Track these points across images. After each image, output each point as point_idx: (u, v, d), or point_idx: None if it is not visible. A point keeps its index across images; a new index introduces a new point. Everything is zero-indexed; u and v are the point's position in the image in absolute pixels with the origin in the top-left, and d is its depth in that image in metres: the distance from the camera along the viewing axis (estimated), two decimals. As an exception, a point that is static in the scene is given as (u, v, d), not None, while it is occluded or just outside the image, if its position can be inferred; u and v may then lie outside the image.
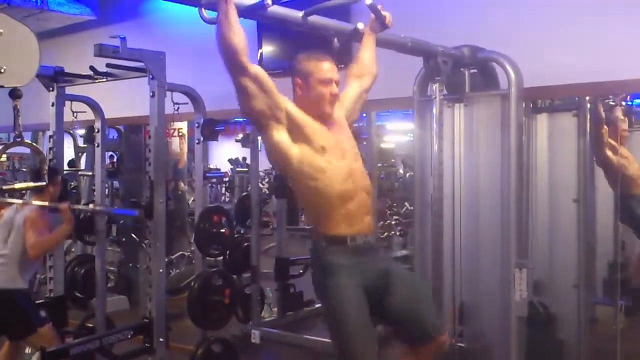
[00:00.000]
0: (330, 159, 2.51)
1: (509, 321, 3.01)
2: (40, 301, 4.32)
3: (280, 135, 2.47)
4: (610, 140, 4.62)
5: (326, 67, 2.55)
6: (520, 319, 3.01)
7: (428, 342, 2.63)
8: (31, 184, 4.05)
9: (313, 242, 2.63)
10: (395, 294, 2.57)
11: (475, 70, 3.31)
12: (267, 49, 4.62)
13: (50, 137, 4.45)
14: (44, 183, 3.88)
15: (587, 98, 3.89)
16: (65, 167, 6.16)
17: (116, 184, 8.16)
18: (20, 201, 4.13)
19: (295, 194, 2.70)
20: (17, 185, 4.23)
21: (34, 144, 4.17)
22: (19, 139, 3.35)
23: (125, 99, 5.01)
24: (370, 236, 2.62)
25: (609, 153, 4.61)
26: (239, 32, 2.25)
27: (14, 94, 3.27)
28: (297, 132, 2.48)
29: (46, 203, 4.00)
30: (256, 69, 2.38)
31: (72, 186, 7.47)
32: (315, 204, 2.59)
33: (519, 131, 3.03)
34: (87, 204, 4.78)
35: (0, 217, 4.03)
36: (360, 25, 2.70)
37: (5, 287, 3.81)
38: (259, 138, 3.19)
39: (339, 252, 2.52)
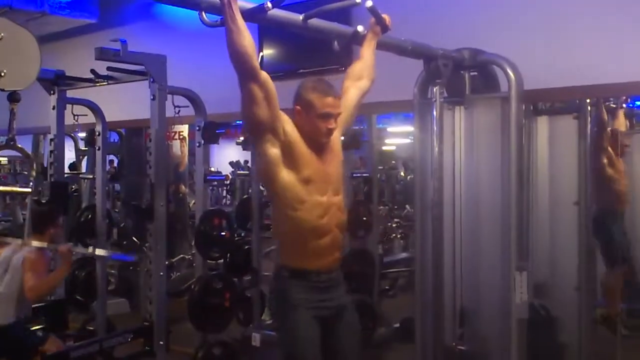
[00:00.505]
0: (313, 191, 2.51)
1: (510, 324, 3.00)
2: (41, 304, 4.33)
3: (273, 150, 2.46)
4: (610, 149, 4.63)
5: (329, 103, 2.51)
6: (520, 322, 2.99)
7: None
8: (17, 188, 4.01)
9: (277, 267, 2.66)
10: (337, 339, 2.64)
11: (476, 73, 3.31)
12: (268, 51, 4.63)
13: (51, 140, 4.47)
14: (29, 189, 3.85)
15: (588, 100, 3.89)
16: (67, 170, 6.18)
17: (117, 186, 8.17)
18: (19, 241, 4.12)
19: (272, 213, 2.72)
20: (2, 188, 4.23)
21: (24, 148, 4.15)
22: (11, 142, 3.35)
23: (127, 102, 5.01)
24: (334, 272, 2.64)
25: (605, 161, 4.62)
26: (248, 36, 2.25)
27: (13, 97, 3.28)
28: (288, 154, 2.48)
29: (45, 244, 3.98)
30: (265, 76, 2.37)
31: (73, 189, 7.49)
32: (286, 232, 2.60)
33: (520, 134, 3.02)
34: (86, 244, 4.71)
35: None
36: (360, 28, 2.69)
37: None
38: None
39: (299, 287, 2.55)
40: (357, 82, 2.78)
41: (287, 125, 2.49)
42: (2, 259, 3.89)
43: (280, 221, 2.60)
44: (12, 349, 3.79)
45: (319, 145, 2.57)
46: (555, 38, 3.47)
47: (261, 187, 4.76)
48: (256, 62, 2.31)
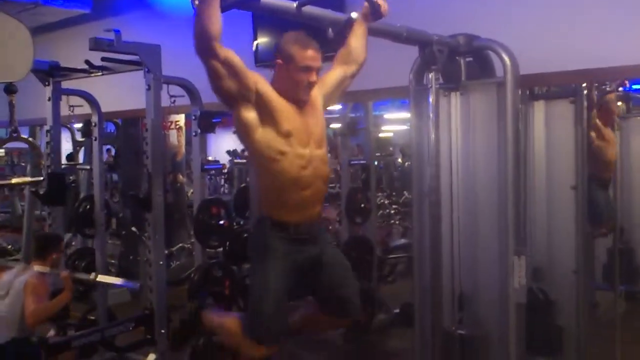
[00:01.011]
0: (293, 143, 2.58)
1: (508, 308, 3.01)
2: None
3: (248, 114, 2.54)
4: (597, 122, 4.64)
5: (309, 55, 2.58)
6: (519, 306, 3.01)
7: (345, 319, 2.97)
8: (28, 178, 4.04)
9: (258, 216, 2.75)
10: (324, 279, 2.75)
11: (471, 59, 3.30)
12: (263, 40, 4.61)
13: (48, 131, 4.46)
14: (42, 178, 3.86)
15: (584, 85, 3.89)
16: (64, 161, 6.17)
17: (115, 176, 8.18)
18: (21, 266, 4.12)
19: (251, 170, 2.79)
20: (14, 180, 4.24)
21: (30, 139, 4.16)
22: (15, 134, 3.35)
23: (122, 93, 5.00)
24: (315, 224, 2.72)
25: (592, 135, 4.63)
26: (213, 18, 2.29)
27: (9, 89, 3.28)
28: (265, 113, 2.55)
29: (47, 269, 3.98)
30: (227, 53, 2.42)
31: (71, 180, 7.48)
32: (268, 186, 2.67)
33: (516, 119, 3.02)
34: (87, 269, 4.72)
35: None
36: (354, 15, 2.70)
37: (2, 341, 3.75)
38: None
39: (279, 238, 2.63)
40: (344, 63, 2.83)
41: (261, 85, 2.55)
42: (4, 283, 3.89)
43: (262, 174, 2.67)
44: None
45: (299, 101, 2.62)
46: (551, 22, 3.46)
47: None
48: (216, 43, 2.36)
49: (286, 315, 2.75)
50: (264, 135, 2.56)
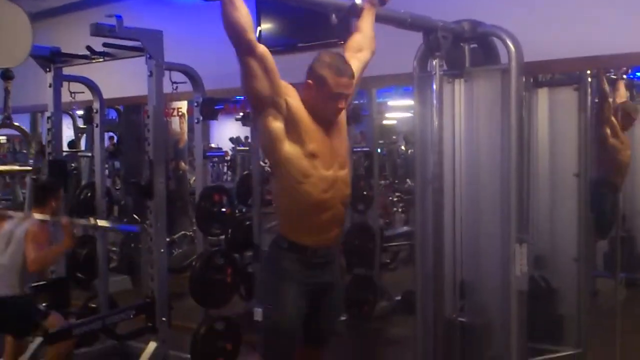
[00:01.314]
0: (318, 165, 2.50)
1: (510, 296, 3.01)
2: (43, 282, 4.34)
3: (276, 124, 2.44)
4: (613, 119, 4.60)
5: (343, 83, 2.49)
6: (521, 294, 3.00)
7: (316, 346, 2.82)
8: (16, 167, 4.04)
9: (275, 237, 2.67)
10: (324, 308, 2.70)
11: (476, 45, 3.28)
12: (266, 26, 4.58)
13: (49, 118, 4.45)
14: (29, 167, 3.86)
15: (589, 72, 3.87)
16: (65, 148, 6.15)
17: (117, 164, 8.16)
18: (21, 214, 4.12)
19: (272, 185, 2.72)
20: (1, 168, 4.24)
21: (22, 126, 4.16)
22: (7, 121, 3.34)
23: (124, 79, 4.97)
24: (332, 248, 2.67)
25: (608, 132, 4.60)
26: (244, 9, 2.23)
27: (6, 75, 3.27)
28: (291, 128, 2.46)
29: (47, 217, 3.98)
30: (263, 49, 2.35)
31: (72, 167, 7.47)
32: (289, 206, 2.60)
33: (520, 106, 3.00)
34: (86, 214, 4.72)
35: (0, 229, 3.99)
36: (358, 0, 2.65)
37: (3, 294, 3.79)
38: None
39: (295, 260, 2.57)
40: (357, 53, 2.75)
41: (291, 98, 2.47)
42: (5, 232, 3.91)
43: (283, 194, 2.59)
44: (14, 321, 3.83)
45: (325, 121, 2.55)
46: (556, 9, 3.43)
47: (262, 163, 4.74)
48: (252, 36, 2.29)
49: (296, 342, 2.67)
50: (290, 151, 2.46)
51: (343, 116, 2.67)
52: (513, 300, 2.99)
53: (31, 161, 4.33)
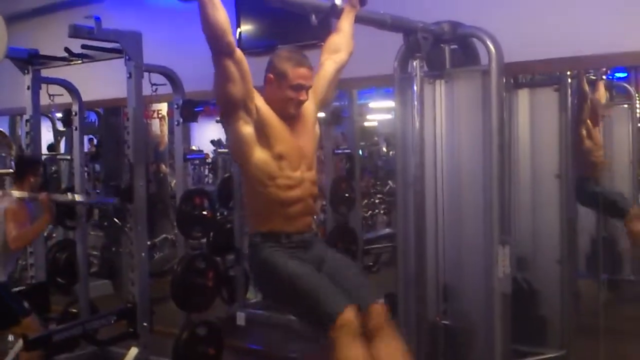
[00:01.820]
0: (285, 167, 2.50)
1: (493, 298, 3.01)
2: (22, 288, 4.28)
3: (247, 129, 2.44)
4: (588, 121, 4.66)
5: (302, 74, 2.50)
6: (504, 296, 3.00)
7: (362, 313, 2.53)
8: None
9: (249, 236, 2.66)
10: (328, 270, 2.57)
11: (456, 46, 3.28)
12: (246, 27, 4.56)
13: (27, 121, 4.39)
14: (11, 170, 3.84)
15: (569, 73, 3.88)
16: (45, 151, 6.10)
17: (98, 167, 8.08)
18: None
19: (242, 186, 2.69)
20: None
21: (1, 129, 4.13)
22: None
23: (103, 81, 4.92)
24: (306, 234, 2.62)
25: (583, 133, 4.66)
26: (222, 10, 2.20)
27: (-19, 78, 3.20)
28: (261, 132, 2.46)
29: (25, 194, 3.94)
30: (240, 52, 2.34)
31: (52, 171, 7.40)
32: (257, 205, 2.59)
33: (501, 107, 3.00)
34: (66, 190, 4.71)
35: None
36: (337, 1, 2.64)
37: None
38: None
39: (273, 247, 2.53)
40: (333, 54, 2.74)
41: (259, 101, 2.47)
42: None
43: (251, 195, 2.61)
44: None
45: (289, 118, 2.54)
46: (535, 9, 3.44)
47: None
48: (231, 38, 2.27)
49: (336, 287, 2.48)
50: (259, 155, 2.47)
51: (311, 116, 2.66)
52: (496, 302, 2.99)
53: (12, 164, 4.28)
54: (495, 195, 2.98)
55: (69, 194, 4.19)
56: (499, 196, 2.98)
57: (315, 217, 2.78)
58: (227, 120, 2.46)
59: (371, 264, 6.25)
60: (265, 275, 2.61)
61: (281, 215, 2.54)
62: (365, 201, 8.19)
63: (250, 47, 4.15)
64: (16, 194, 3.92)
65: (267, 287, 2.69)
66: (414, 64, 2.99)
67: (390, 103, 8.90)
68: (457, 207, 3.21)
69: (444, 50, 3.23)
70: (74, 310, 4.62)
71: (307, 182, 2.58)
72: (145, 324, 3.78)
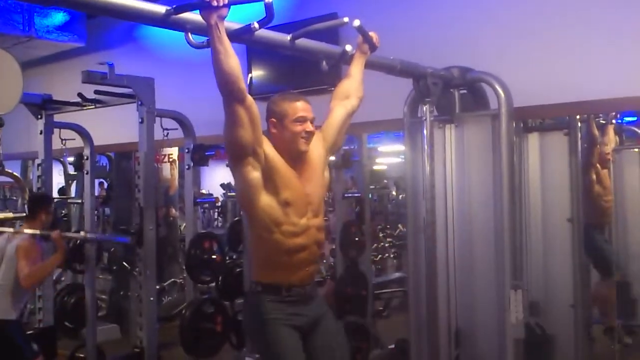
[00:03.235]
0: (290, 213, 2.49)
1: (506, 344, 2.96)
2: (30, 332, 4.25)
3: (254, 174, 2.43)
4: (598, 166, 4.64)
5: (300, 107, 2.52)
6: (517, 342, 2.95)
7: None
8: (10, 214, 4.03)
9: (250, 282, 2.63)
10: (317, 341, 2.58)
11: (465, 91, 3.30)
12: (257, 73, 4.62)
13: (39, 165, 4.42)
14: (24, 214, 3.86)
15: (578, 117, 3.89)
16: (56, 195, 6.11)
17: (108, 211, 8.09)
18: (11, 230, 4.08)
19: (247, 232, 2.68)
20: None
21: (15, 173, 4.17)
22: (0, 167, 3.32)
23: (115, 126, 4.97)
24: (308, 286, 2.60)
25: (593, 178, 4.64)
26: (235, 57, 2.21)
27: (-3, 122, 3.24)
28: (268, 177, 2.45)
29: (37, 231, 3.95)
30: (250, 99, 2.35)
31: (62, 214, 7.41)
32: (261, 252, 2.58)
33: (511, 151, 3.00)
34: (77, 231, 4.72)
35: None
36: (348, 48, 2.67)
37: None
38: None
39: (272, 302, 2.51)
40: (343, 100, 2.75)
41: (267, 146, 2.47)
42: None
43: (255, 241, 2.58)
44: (5, 348, 3.77)
45: (298, 160, 2.54)
46: (544, 54, 3.46)
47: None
48: (243, 85, 2.28)
49: None
50: (265, 202, 2.45)
51: (319, 161, 2.65)
52: (509, 348, 2.94)
53: (23, 206, 4.30)
54: (507, 240, 2.96)
55: (81, 232, 4.17)
56: (510, 240, 2.96)
57: (323, 260, 2.73)
58: (236, 165, 2.46)
59: (381, 308, 6.18)
60: (254, 330, 2.60)
61: (285, 263, 2.51)
62: (375, 245, 8.15)
63: (261, 92, 4.19)
64: (28, 230, 3.92)
65: (254, 341, 2.73)
66: (424, 108, 3.01)
67: (399, 147, 8.91)
68: (468, 251, 3.19)
69: (453, 95, 3.25)
70: (82, 355, 4.57)
71: (313, 229, 2.56)
72: (153, 370, 3.73)
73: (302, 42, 2.48)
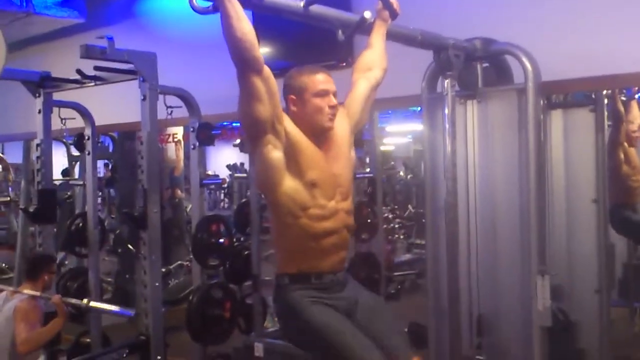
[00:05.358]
0: (318, 196, 2.28)
1: (532, 332, 2.81)
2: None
3: (275, 155, 2.22)
4: (625, 144, 4.48)
5: (321, 79, 2.32)
6: (543, 330, 2.80)
7: None
8: None
9: (276, 276, 2.41)
10: (360, 316, 2.37)
11: (487, 65, 3.11)
12: (265, 49, 4.40)
13: (38, 145, 4.26)
14: (8, 198, 3.68)
15: (605, 92, 3.70)
16: (59, 176, 5.96)
17: (113, 192, 7.99)
18: (10, 289, 3.91)
19: (270, 220, 2.46)
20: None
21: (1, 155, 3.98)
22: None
23: (117, 105, 4.81)
24: (339, 273, 2.39)
25: (621, 157, 4.48)
26: (248, 22, 2.01)
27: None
28: (291, 157, 2.25)
29: (38, 293, 3.76)
30: (268, 69, 2.14)
31: (66, 196, 7.29)
32: (287, 240, 2.37)
33: (538, 128, 2.82)
34: (78, 288, 4.49)
35: None
36: (367, 14, 2.43)
37: None
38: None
39: (302, 290, 2.31)
40: (366, 72, 2.55)
41: (288, 123, 2.26)
42: None
43: (279, 229, 2.37)
44: None
45: (322, 139, 2.34)
46: (570, 25, 3.26)
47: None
48: (259, 52, 2.08)
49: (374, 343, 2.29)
50: (289, 184, 2.25)
51: (345, 138, 2.45)
52: (535, 337, 2.79)
53: (16, 191, 4.13)
54: (534, 223, 2.79)
55: (84, 300, 3.92)
56: (537, 223, 2.79)
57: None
58: (254, 145, 2.25)
59: (393, 291, 6.04)
60: (292, 323, 2.38)
61: (313, 250, 2.31)
62: (385, 226, 8.01)
63: (271, 69, 4.00)
64: (27, 291, 3.72)
65: (294, 335, 2.44)
66: (445, 83, 2.82)
67: (406, 126, 8.77)
68: (492, 235, 3.02)
69: (475, 69, 3.06)
70: (87, 340, 4.46)
71: (342, 212, 2.35)
72: (159, 358, 3.60)
73: (317, 9, 2.27)
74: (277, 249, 2.45)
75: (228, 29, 1.99)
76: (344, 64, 3.63)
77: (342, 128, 2.43)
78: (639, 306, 4.93)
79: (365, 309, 2.39)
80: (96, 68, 3.68)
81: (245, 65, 2.07)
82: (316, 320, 2.26)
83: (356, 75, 2.56)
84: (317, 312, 2.27)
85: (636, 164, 4.60)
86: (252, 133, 2.24)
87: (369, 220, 4.95)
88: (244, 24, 1.99)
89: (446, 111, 2.84)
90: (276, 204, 2.30)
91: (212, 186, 10.25)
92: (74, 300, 3.98)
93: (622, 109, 4.27)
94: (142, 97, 3.54)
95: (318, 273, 2.32)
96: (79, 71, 3.82)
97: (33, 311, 3.67)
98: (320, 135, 2.33)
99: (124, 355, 3.66)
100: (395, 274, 6.26)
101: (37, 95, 4.21)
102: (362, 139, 5.14)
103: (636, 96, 4.90)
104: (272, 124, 2.19)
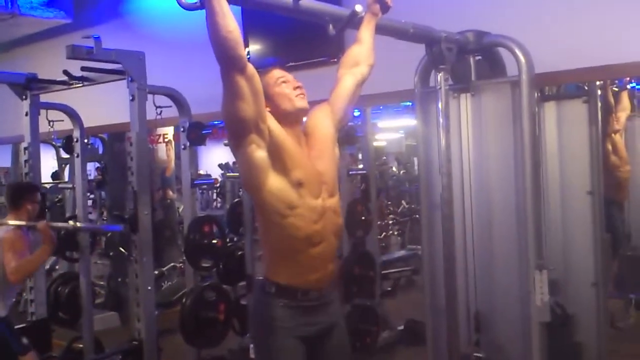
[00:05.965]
0: (305, 194, 2.24)
1: (530, 327, 2.77)
2: (22, 325, 4.06)
3: (259, 154, 2.18)
4: (613, 136, 4.48)
5: (276, 73, 2.34)
6: (541, 325, 2.76)
7: None
8: None
9: (262, 281, 2.38)
10: (329, 351, 2.40)
11: (480, 58, 3.07)
12: (254, 47, 4.38)
13: (25, 148, 4.19)
14: None
15: (598, 83, 3.67)
16: (50, 179, 5.89)
17: (104, 194, 7.92)
18: None
19: (258, 222, 2.42)
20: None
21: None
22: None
23: (106, 106, 4.76)
24: (325, 289, 2.36)
25: (609, 148, 4.47)
26: (232, 19, 1.96)
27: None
28: (275, 156, 2.21)
29: (23, 222, 3.72)
30: (252, 68, 2.09)
31: (57, 199, 7.22)
32: (275, 244, 2.33)
33: (533, 120, 2.78)
34: (68, 219, 4.51)
35: None
36: (358, 8, 2.39)
37: None
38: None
39: (285, 307, 2.29)
40: (352, 68, 2.51)
41: (272, 122, 2.23)
42: None
43: (268, 230, 2.32)
44: None
45: (300, 117, 2.35)
46: (561, 17, 3.23)
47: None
48: (243, 51, 2.04)
49: None
50: (275, 184, 2.21)
51: (329, 135, 2.42)
52: (534, 332, 2.76)
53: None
54: (530, 217, 2.75)
55: (70, 221, 3.93)
56: (533, 217, 2.75)
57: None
58: (237, 144, 2.21)
59: (389, 289, 6.02)
60: (260, 334, 2.39)
61: (302, 260, 2.27)
62: (379, 222, 7.98)
63: (258, 67, 3.95)
64: (12, 222, 3.69)
65: (257, 343, 2.47)
66: (438, 77, 2.78)
67: (398, 122, 8.73)
68: (487, 229, 2.98)
69: (468, 62, 3.02)
70: (80, 346, 4.39)
71: (330, 211, 2.32)
72: (152, 362, 3.55)
73: (306, 3, 2.22)
74: (265, 249, 2.41)
75: (213, 26, 1.94)
76: (335, 60, 3.58)
77: (325, 125, 2.41)
78: (633, 298, 4.93)
79: (334, 346, 2.41)
80: (83, 68, 3.62)
81: (229, 63, 2.03)
82: (275, 350, 2.29)
83: (342, 70, 2.52)
84: (281, 347, 2.28)
85: (623, 154, 4.59)
86: (235, 132, 2.20)
87: (362, 218, 4.93)
88: (229, 21, 1.95)
89: (440, 105, 2.80)
90: (262, 203, 2.26)
91: (204, 186, 10.18)
92: (60, 224, 3.94)
93: (612, 100, 4.25)
94: (131, 98, 3.49)
95: (305, 289, 2.29)
96: (66, 72, 3.77)
97: (19, 240, 3.66)
98: (299, 123, 2.34)
99: (117, 361, 3.62)
100: (391, 271, 6.21)
101: (23, 97, 4.15)
102: (355, 136, 5.11)
103: (628, 86, 4.90)
104: (256, 123, 2.15)
